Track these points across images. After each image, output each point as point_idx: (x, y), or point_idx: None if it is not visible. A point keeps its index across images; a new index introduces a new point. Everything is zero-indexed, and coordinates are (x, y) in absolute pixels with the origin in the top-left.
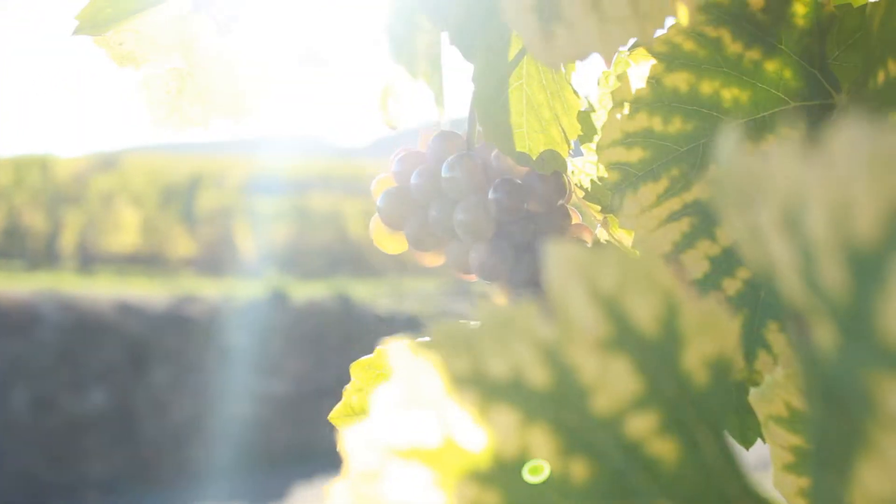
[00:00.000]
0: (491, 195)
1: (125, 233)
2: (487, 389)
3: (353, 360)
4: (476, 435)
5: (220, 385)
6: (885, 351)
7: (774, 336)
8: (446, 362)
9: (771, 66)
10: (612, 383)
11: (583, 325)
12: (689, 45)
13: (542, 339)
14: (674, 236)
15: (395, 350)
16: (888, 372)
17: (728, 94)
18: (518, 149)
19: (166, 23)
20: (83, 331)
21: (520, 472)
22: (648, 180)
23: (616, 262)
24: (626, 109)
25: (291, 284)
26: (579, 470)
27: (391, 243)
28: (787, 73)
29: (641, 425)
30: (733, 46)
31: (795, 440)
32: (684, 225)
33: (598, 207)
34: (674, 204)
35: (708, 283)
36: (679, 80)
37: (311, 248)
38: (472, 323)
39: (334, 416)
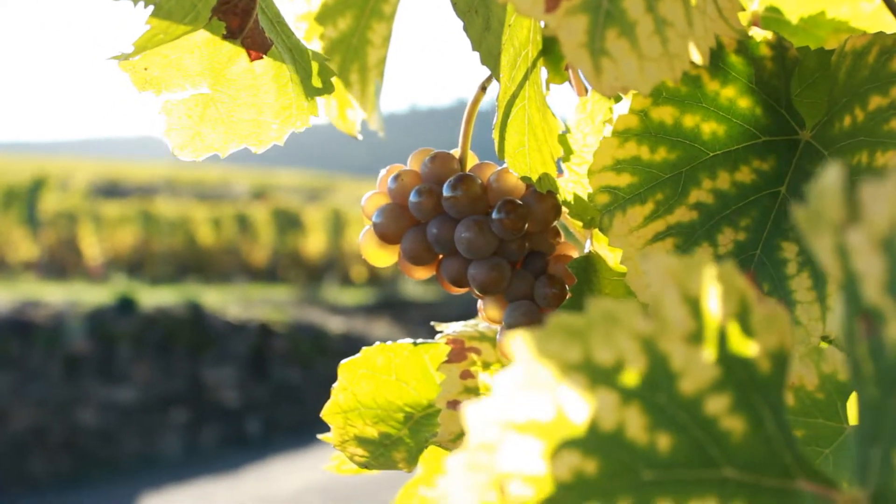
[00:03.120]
0: (495, 215)
1: None
2: (594, 374)
3: (203, 367)
4: (582, 412)
5: (63, 393)
6: None
7: None
8: (561, 350)
9: (744, 103)
10: (696, 370)
11: (674, 320)
12: (672, 82)
13: (641, 332)
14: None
15: (515, 339)
16: None
17: (707, 127)
18: (522, 166)
19: (195, 48)
20: None
21: (616, 445)
22: (636, 203)
23: (702, 271)
24: (618, 138)
25: (139, 290)
26: (664, 443)
27: (381, 256)
28: (758, 111)
29: (718, 405)
30: (711, 84)
31: None
32: (668, 244)
33: (581, 223)
34: (658, 225)
35: None
36: (664, 114)
37: (160, 254)
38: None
39: (325, 413)
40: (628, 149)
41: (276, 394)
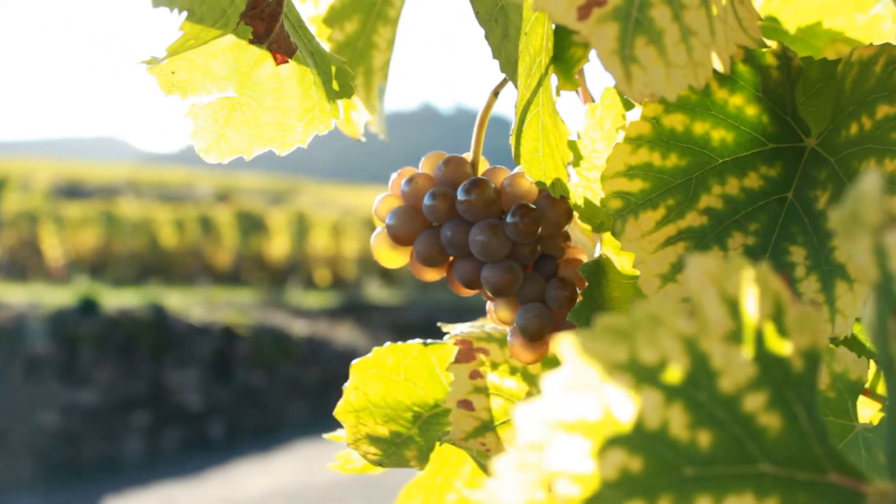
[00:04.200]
0: (510, 219)
1: None
2: (640, 373)
3: (167, 369)
4: (628, 411)
5: (25, 395)
6: None
7: None
8: (607, 351)
9: (751, 111)
10: (735, 368)
11: (714, 320)
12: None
13: (683, 332)
14: (670, 259)
15: (563, 341)
16: None
17: (716, 134)
18: (537, 171)
19: (221, 52)
20: None
21: (660, 442)
22: (648, 208)
23: (740, 272)
24: (630, 144)
25: (102, 292)
26: (705, 440)
27: (393, 258)
28: (765, 118)
29: (755, 402)
30: (720, 93)
31: None
32: (679, 248)
33: (590, 227)
34: (670, 230)
35: None
36: (675, 121)
37: (122, 255)
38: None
39: (338, 412)
40: (640, 155)
41: (240, 397)
